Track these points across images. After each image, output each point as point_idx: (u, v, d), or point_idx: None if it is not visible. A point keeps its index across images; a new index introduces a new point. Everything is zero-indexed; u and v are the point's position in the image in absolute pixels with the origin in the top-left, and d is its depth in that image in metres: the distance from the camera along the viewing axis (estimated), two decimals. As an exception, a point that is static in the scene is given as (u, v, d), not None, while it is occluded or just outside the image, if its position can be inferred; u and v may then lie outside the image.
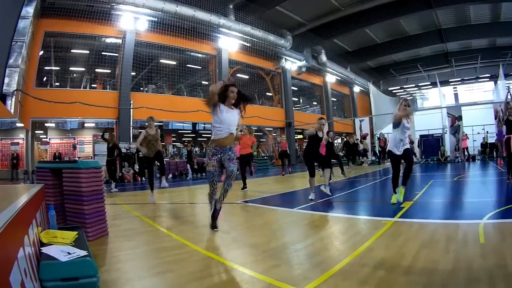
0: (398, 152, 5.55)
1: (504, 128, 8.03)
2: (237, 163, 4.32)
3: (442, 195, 7.12)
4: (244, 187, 8.80)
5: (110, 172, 10.52)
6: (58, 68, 16.10)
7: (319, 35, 23.73)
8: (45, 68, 15.61)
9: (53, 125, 17.32)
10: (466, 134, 19.09)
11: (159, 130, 7.54)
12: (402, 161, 5.68)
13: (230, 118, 4.08)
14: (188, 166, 15.78)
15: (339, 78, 30.12)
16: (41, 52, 15.08)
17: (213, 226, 4.21)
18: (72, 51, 16.38)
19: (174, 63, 19.74)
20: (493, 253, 2.84)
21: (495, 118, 16.31)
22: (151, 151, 7.21)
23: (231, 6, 19.18)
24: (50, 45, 15.45)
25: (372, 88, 28.71)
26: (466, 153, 18.44)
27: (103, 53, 16.76)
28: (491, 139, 18.58)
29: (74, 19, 14.80)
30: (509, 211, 4.59)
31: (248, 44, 20.67)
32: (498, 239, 3.35)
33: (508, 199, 5.81)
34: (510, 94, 8.52)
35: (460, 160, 18.17)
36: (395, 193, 5.58)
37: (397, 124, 5.48)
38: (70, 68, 16.77)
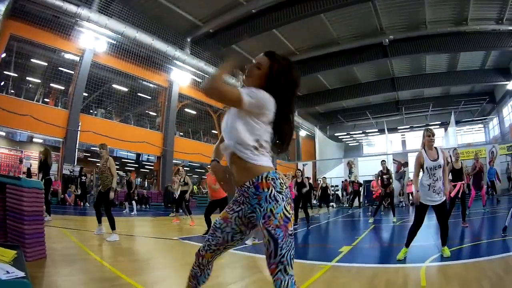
0: (428, 202, 4.31)
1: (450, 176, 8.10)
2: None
3: (383, 239, 6.94)
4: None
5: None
6: (17, 75, 15.21)
7: (271, 78, 23.57)
8: (4, 72, 14.68)
9: (3, 133, 15.99)
10: (411, 180, 19.64)
11: (110, 160, 6.20)
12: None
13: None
14: (129, 200, 13.67)
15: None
16: (3, 55, 14.07)
17: None
18: (32, 60, 15.59)
19: (126, 90, 19.05)
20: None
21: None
22: (102, 185, 6.15)
23: (188, 39, 18.99)
24: (13, 49, 14.54)
25: (318, 133, 28.89)
26: (411, 197, 18.91)
27: (60, 68, 16.04)
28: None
29: (39, 28, 14.12)
30: (453, 253, 4.34)
31: (200, 80, 20.26)
32: (441, 282, 3.27)
33: (453, 241, 5.62)
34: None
35: (404, 205, 18.56)
36: (406, 247, 4.39)
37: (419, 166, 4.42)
38: (27, 78, 16.02)
